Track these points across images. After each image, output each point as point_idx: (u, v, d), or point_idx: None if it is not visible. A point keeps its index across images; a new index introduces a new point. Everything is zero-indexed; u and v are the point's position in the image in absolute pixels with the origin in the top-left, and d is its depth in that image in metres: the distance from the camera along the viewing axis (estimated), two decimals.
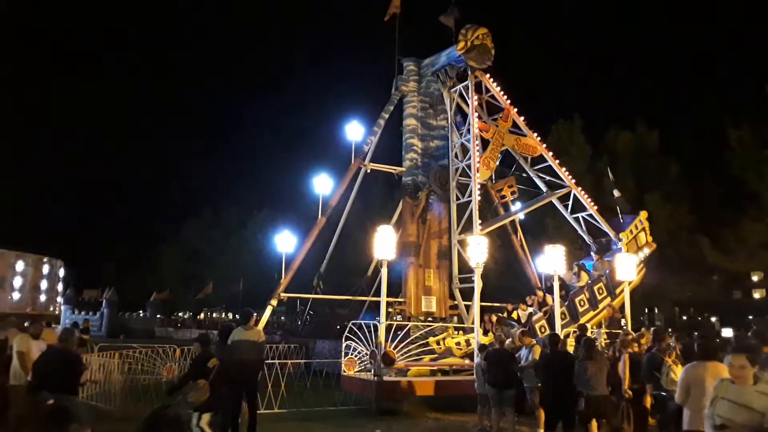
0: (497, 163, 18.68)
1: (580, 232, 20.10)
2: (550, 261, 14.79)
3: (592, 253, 19.61)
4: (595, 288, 17.69)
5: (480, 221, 17.16)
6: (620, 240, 19.04)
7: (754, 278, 52.34)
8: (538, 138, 19.56)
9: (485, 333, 14.69)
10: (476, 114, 18.20)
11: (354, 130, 19.98)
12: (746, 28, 62.72)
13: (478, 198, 17.55)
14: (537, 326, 15.77)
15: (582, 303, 17.31)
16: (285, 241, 19.36)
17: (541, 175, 19.84)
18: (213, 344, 9.24)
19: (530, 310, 16.51)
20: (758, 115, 26.75)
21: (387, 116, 19.61)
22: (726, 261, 28.04)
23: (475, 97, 18.39)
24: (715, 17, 67.75)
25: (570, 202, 19.93)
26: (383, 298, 13.79)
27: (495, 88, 18.85)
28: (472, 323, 14.62)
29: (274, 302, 18.01)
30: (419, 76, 19.83)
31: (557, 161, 19.81)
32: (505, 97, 18.93)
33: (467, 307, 17.06)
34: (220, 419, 8.64)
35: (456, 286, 17.47)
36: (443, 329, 16.17)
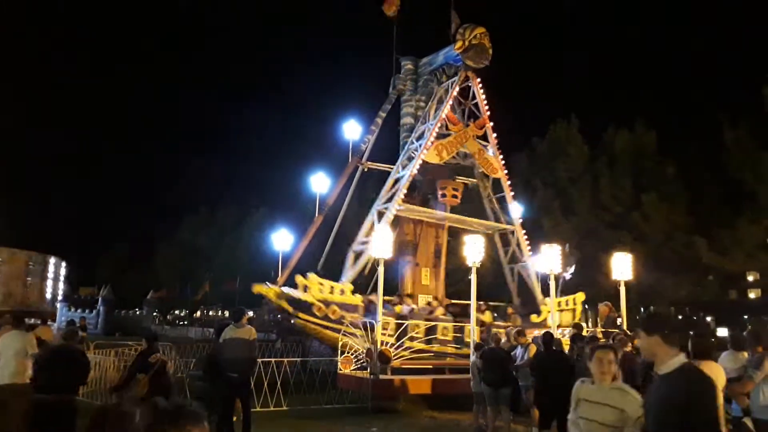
0: (450, 157, 18.37)
1: (508, 281, 19.64)
2: (546, 260, 14.82)
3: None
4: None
5: (405, 201, 17.26)
6: (543, 305, 18.11)
7: (750, 278, 52.52)
8: (503, 162, 19.33)
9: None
10: (451, 102, 18.31)
11: (351, 129, 19.97)
12: (745, 28, 62.87)
13: (413, 174, 17.38)
14: None
15: None
16: (282, 240, 19.34)
17: (491, 203, 19.72)
18: (209, 341, 9.26)
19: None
20: (756, 116, 26.78)
21: (384, 115, 19.62)
22: (722, 261, 28.05)
23: (456, 89, 18.52)
24: (713, 17, 67.89)
25: (511, 247, 19.50)
26: (380, 297, 13.81)
27: (481, 97, 18.91)
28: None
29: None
30: (417, 75, 19.84)
31: (512, 194, 19.53)
32: (488, 110, 18.97)
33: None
34: (216, 418, 8.65)
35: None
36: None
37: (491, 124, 19.12)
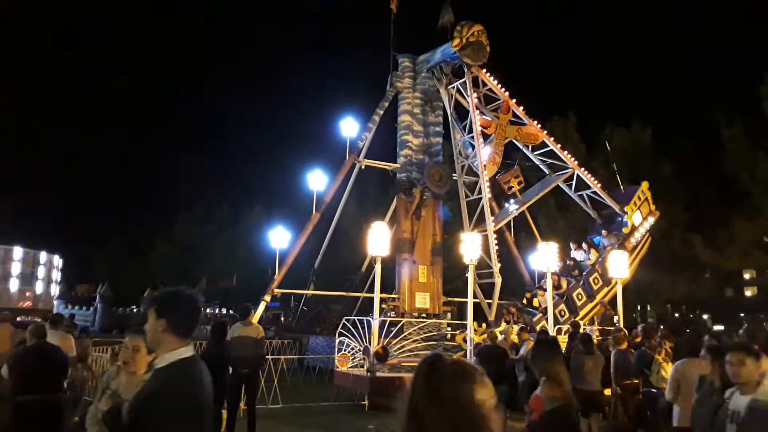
0: (501, 157, 18.94)
1: (585, 208, 20.77)
2: (543, 258, 14.85)
3: (599, 227, 20.19)
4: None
5: (492, 217, 17.72)
6: (625, 213, 19.64)
7: (746, 276, 52.79)
8: (538, 125, 19.89)
9: (508, 324, 14.70)
10: (477, 111, 18.40)
11: (349, 127, 19.94)
12: (742, 27, 62.93)
13: (488, 195, 17.86)
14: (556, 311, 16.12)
15: (596, 281, 17.75)
16: (279, 237, 19.35)
17: (543, 158, 20.31)
18: (206, 339, 9.25)
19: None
20: (752, 115, 26.87)
21: (382, 112, 19.59)
22: (718, 259, 28.16)
23: (474, 94, 18.53)
24: (711, 16, 67.97)
25: (573, 182, 20.49)
26: (377, 295, 13.82)
27: (492, 82, 19.08)
28: (494, 317, 15.04)
29: (267, 298, 18.01)
30: (414, 72, 19.80)
31: (558, 145, 20.22)
32: (503, 89, 19.17)
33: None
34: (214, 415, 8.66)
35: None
36: (437, 326, 16.22)
37: (513, 100, 19.34)
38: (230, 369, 8.93)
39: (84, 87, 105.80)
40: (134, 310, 57.14)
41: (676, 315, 46.35)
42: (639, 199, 20.25)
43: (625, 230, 19.48)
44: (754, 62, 43.85)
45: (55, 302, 48.90)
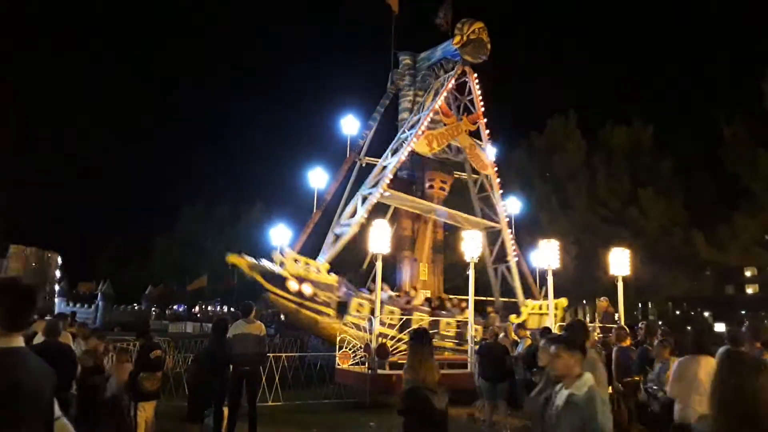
0: (440, 149, 18.18)
1: (492, 280, 19.26)
2: (544, 256, 14.84)
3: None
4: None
5: (390, 188, 16.94)
6: (524, 305, 17.92)
7: (747, 273, 52.81)
8: (495, 165, 19.18)
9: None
10: (446, 95, 18.22)
11: (349, 124, 19.91)
12: (741, 24, 62.81)
13: (401, 160, 17.22)
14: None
15: None
16: (280, 235, 19.31)
17: (481, 201, 19.42)
18: (207, 336, 9.26)
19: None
20: (753, 112, 26.83)
21: (383, 110, 19.59)
22: (719, 256, 28.14)
23: (452, 82, 18.46)
24: (710, 14, 67.83)
25: (497, 245, 18.95)
26: (378, 292, 13.81)
27: (477, 93, 18.84)
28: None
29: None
30: (415, 70, 19.79)
31: (500, 192, 19.18)
32: (483, 106, 18.92)
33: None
34: (213, 412, 8.66)
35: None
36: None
37: (485, 120, 19.06)
38: (231, 366, 8.94)
39: (84, 86, 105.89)
40: (135, 308, 57.26)
41: (677, 312, 46.33)
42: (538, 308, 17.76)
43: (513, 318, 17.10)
44: (755, 59, 43.78)
45: (56, 300, 48.87)
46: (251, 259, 14.89)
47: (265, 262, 14.87)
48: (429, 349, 5.08)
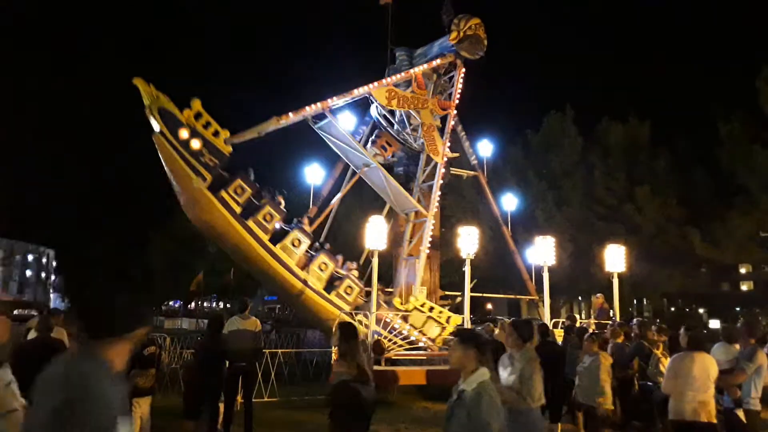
0: (398, 108, 17.65)
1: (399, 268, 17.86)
2: (540, 252, 14.87)
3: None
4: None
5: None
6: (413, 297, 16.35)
7: (743, 270, 53.04)
8: (449, 165, 18.58)
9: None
10: (425, 68, 17.89)
11: (345, 120, 19.87)
12: (738, 22, 62.91)
13: (353, 94, 16.86)
14: None
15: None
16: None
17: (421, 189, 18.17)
18: (203, 333, 9.26)
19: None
20: (748, 109, 26.88)
21: None
22: (715, 253, 28.21)
23: (439, 61, 18.15)
24: (708, 11, 67.93)
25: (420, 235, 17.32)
26: (374, 288, 13.82)
27: (458, 86, 18.42)
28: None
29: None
30: (411, 66, 19.72)
31: (441, 182, 17.85)
32: (458, 101, 18.44)
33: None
34: (208, 408, 8.66)
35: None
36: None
37: (455, 113, 18.50)
38: (227, 362, 8.94)
39: (83, 84, 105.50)
40: None
41: (672, 309, 46.49)
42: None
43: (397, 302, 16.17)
44: (752, 56, 43.85)
45: (51, 295, 48.81)
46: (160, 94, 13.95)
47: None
48: (357, 342, 5.32)
